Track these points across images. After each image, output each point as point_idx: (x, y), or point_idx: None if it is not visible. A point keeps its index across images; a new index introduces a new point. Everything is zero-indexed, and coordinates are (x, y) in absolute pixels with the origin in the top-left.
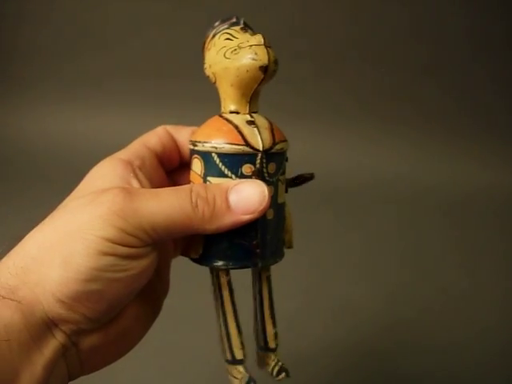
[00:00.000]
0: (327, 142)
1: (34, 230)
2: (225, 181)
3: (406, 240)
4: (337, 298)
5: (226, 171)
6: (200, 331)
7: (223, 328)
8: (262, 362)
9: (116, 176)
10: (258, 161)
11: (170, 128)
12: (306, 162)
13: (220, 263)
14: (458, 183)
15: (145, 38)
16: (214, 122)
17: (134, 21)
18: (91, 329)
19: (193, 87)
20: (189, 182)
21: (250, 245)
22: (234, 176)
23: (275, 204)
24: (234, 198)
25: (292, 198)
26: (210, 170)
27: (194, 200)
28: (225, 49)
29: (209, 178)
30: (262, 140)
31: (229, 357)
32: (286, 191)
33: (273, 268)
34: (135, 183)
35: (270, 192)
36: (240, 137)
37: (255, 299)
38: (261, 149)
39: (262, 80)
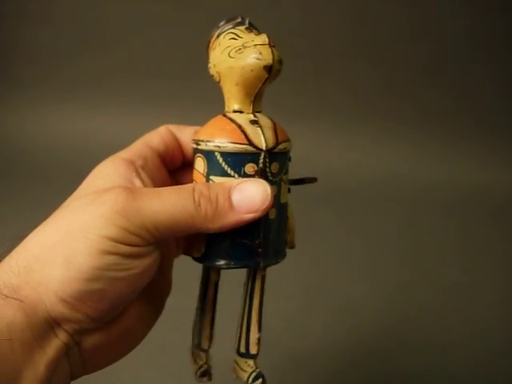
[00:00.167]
0: (327, 141)
1: (37, 229)
2: (228, 180)
3: (406, 239)
4: (337, 298)
5: (229, 170)
6: None
7: (198, 317)
8: (238, 369)
9: (118, 175)
10: (261, 160)
11: (173, 127)
12: (306, 162)
13: (222, 262)
14: (458, 182)
15: (145, 38)
16: (218, 121)
17: (134, 21)
18: (94, 328)
19: (193, 87)
20: (192, 181)
21: (253, 244)
22: (236, 175)
23: (278, 204)
24: (236, 197)
25: (292, 198)
26: (213, 169)
27: (196, 199)
28: (229, 48)
29: (212, 177)
30: (265, 139)
31: (196, 341)
32: (289, 191)
33: (273, 268)
34: (138, 183)
35: (272, 191)
36: (243, 136)
37: (245, 300)
38: (264, 148)
39: (267, 79)
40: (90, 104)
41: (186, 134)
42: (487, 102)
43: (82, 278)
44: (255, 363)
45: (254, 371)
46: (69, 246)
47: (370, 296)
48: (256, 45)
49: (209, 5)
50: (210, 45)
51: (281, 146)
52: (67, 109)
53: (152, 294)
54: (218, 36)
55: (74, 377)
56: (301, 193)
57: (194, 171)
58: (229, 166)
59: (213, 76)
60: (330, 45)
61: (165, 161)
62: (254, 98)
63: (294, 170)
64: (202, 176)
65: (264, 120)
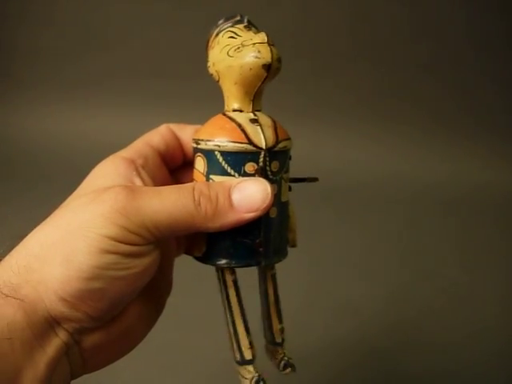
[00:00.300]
0: (328, 140)
1: (37, 228)
2: (228, 179)
3: (406, 239)
4: (337, 297)
5: (229, 169)
6: (203, 330)
7: (231, 328)
8: (271, 355)
9: (118, 174)
10: (261, 159)
11: (174, 126)
12: (306, 161)
13: (223, 261)
14: (459, 182)
15: (145, 38)
16: (218, 120)
17: (135, 21)
18: (94, 327)
19: (193, 86)
20: (192, 180)
21: (253, 243)
22: (236, 174)
23: (278, 202)
24: (236, 196)
25: (293, 196)
26: (213, 168)
27: (196, 198)
28: (228, 47)
29: (212, 177)
30: (265, 138)
31: (238, 357)
32: (290, 189)
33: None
34: (138, 182)
35: (272, 190)
36: (243, 135)
37: (262, 296)
38: (264, 147)
39: (266, 78)
40: (90, 104)
41: (186, 133)
42: (488, 102)
43: (82, 276)
44: (283, 350)
45: (282, 359)
46: (69, 244)
47: (370, 295)
48: (255, 43)
49: (209, 5)
50: (209, 44)
51: (281, 145)
52: (67, 109)
53: (152, 293)
54: (217, 35)
55: (74, 376)
56: (301, 191)
57: (194, 170)
58: (229, 165)
59: (212, 75)
60: (330, 44)
61: (165, 160)
62: (254, 97)
63: (295, 169)
64: (202, 175)
65: (264, 118)
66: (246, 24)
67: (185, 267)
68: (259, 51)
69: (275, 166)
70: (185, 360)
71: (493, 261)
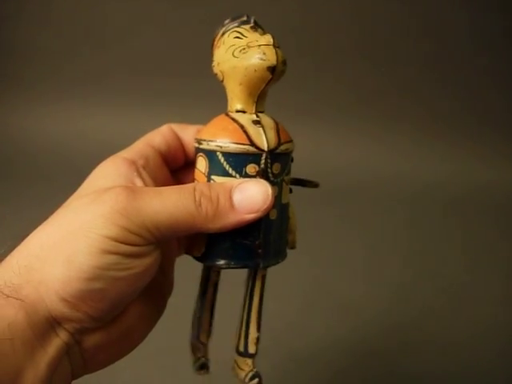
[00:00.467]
0: (329, 139)
1: (37, 229)
2: (229, 180)
3: (407, 239)
4: (338, 298)
5: (231, 170)
6: None
7: (197, 313)
8: (237, 368)
9: (119, 175)
10: (263, 161)
11: (175, 126)
12: (307, 160)
13: (222, 262)
14: (460, 181)
15: (145, 37)
16: (220, 120)
17: (134, 19)
18: (94, 327)
19: (194, 85)
20: (193, 180)
21: (253, 245)
22: (238, 175)
23: (279, 204)
24: (237, 197)
25: (293, 197)
26: (215, 168)
27: (197, 199)
28: (234, 47)
29: (213, 177)
30: (267, 140)
31: (195, 333)
32: (291, 191)
33: (273, 268)
34: (139, 182)
35: (273, 192)
36: (245, 136)
37: (245, 299)
38: (265, 149)
39: (270, 80)
40: (89, 103)
41: (188, 133)
42: (490, 101)
43: (83, 277)
44: (253, 363)
45: (251, 370)
46: (69, 245)
47: (371, 296)
48: (260, 45)
49: (209, 4)
50: (215, 43)
51: (283, 147)
52: (66, 108)
53: (153, 293)
54: (223, 34)
55: (75, 376)
56: (301, 191)
57: (196, 171)
58: (230, 166)
59: (216, 75)
60: (331, 42)
61: (167, 160)
62: (257, 98)
63: (295, 169)
64: (203, 175)
65: (266, 120)
66: (252, 25)
67: (186, 267)
68: (264, 53)
69: (276, 168)
70: (185, 361)
71: (494, 261)
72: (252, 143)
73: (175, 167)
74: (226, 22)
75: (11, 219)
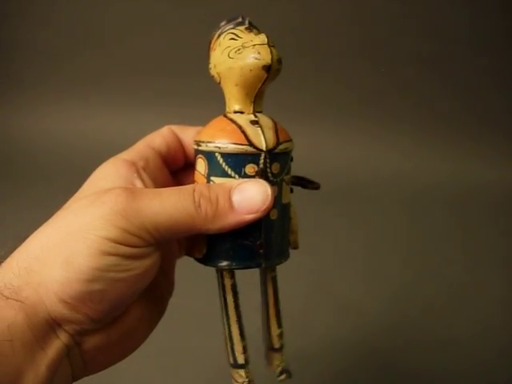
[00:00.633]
0: (329, 139)
1: (37, 230)
2: (228, 181)
3: (408, 238)
4: (339, 297)
5: (230, 171)
6: (205, 331)
7: (227, 331)
8: (270, 361)
9: (119, 176)
10: (262, 161)
11: (175, 128)
12: (307, 160)
13: (224, 263)
14: (461, 181)
15: (144, 37)
16: (218, 122)
17: (134, 19)
18: (94, 329)
19: (194, 85)
20: (194, 182)
21: (254, 245)
22: (237, 176)
23: (279, 204)
24: (237, 198)
25: (294, 197)
26: (214, 169)
27: (196, 200)
28: (229, 49)
29: (212, 178)
30: (265, 140)
31: (231, 361)
32: (291, 191)
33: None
34: (139, 184)
35: (273, 192)
36: (243, 137)
37: (262, 298)
38: (264, 149)
39: (266, 79)
40: (90, 103)
41: (188, 135)
42: (490, 101)
43: (82, 278)
44: (281, 357)
45: (279, 365)
46: (69, 246)
47: (372, 295)
48: (255, 45)
49: (209, 4)
50: (211, 45)
51: (281, 147)
52: (67, 108)
53: (154, 294)
54: (219, 36)
55: (75, 378)
56: (301, 190)
57: (196, 172)
58: (229, 166)
59: (213, 77)
60: (330, 42)
61: (167, 162)
62: (255, 98)
63: (296, 169)
64: (202, 177)
65: (265, 120)
66: (247, 26)
67: (187, 268)
68: (259, 52)
69: (276, 167)
70: (186, 361)
71: (495, 260)
72: (250, 143)
73: (175, 169)
74: (222, 24)
75: (11, 219)
